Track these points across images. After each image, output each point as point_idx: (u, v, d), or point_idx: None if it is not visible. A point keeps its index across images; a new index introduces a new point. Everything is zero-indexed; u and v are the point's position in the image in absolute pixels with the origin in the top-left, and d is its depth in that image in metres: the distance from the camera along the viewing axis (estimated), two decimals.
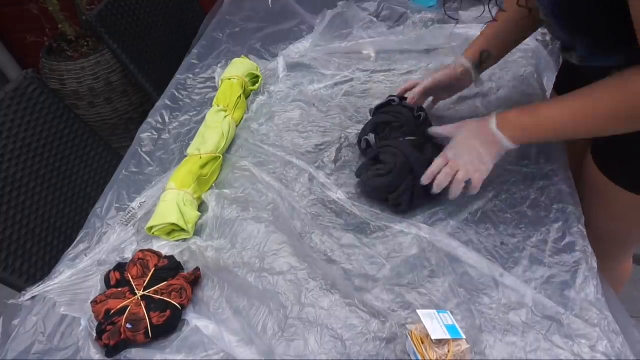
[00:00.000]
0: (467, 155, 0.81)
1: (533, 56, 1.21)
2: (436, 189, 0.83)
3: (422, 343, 0.64)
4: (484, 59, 0.95)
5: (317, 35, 1.39)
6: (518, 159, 0.94)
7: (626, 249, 1.05)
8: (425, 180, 0.84)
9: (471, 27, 1.26)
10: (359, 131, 1.03)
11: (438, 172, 0.83)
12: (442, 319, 0.66)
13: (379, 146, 0.92)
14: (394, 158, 0.87)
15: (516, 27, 0.91)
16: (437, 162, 0.83)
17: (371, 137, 0.95)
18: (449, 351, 0.63)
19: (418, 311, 0.67)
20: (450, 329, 0.65)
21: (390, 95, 1.02)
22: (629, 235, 0.98)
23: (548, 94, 1.10)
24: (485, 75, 1.13)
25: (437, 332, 0.64)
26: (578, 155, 0.96)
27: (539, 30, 1.23)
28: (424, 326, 0.65)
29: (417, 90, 0.98)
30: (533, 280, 0.75)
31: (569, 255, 0.78)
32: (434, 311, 0.67)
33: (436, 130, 0.90)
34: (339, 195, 0.93)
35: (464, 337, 0.64)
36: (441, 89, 1.00)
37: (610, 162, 0.87)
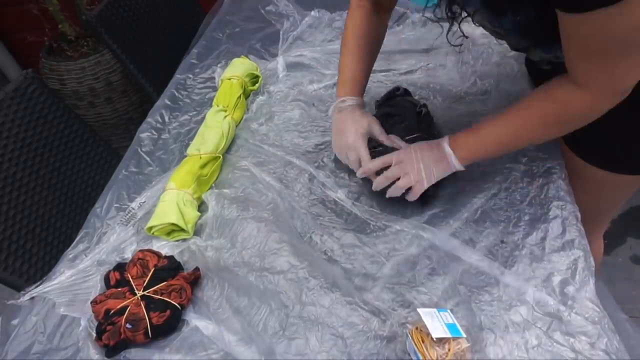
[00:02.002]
0: (415, 163, 0.83)
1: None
2: (374, 187, 0.88)
3: (423, 342, 0.64)
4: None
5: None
6: (517, 156, 0.94)
7: (596, 227, 1.10)
8: (359, 173, 0.89)
9: (471, 27, 1.26)
10: None
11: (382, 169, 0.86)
12: (442, 317, 0.66)
13: (372, 151, 0.92)
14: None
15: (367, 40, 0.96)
16: (384, 159, 0.86)
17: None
18: (449, 350, 0.63)
19: (419, 309, 0.67)
20: (451, 327, 0.65)
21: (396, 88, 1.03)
22: (602, 212, 1.05)
23: None
24: (480, 75, 1.14)
25: (438, 330, 0.64)
26: None
27: None
28: (425, 325, 0.65)
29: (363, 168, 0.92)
30: (533, 278, 0.75)
31: (568, 252, 0.78)
32: (434, 310, 0.67)
33: (395, 139, 0.91)
34: (339, 194, 0.93)
35: (464, 335, 0.64)
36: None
37: (580, 141, 0.91)
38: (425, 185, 0.84)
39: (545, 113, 0.74)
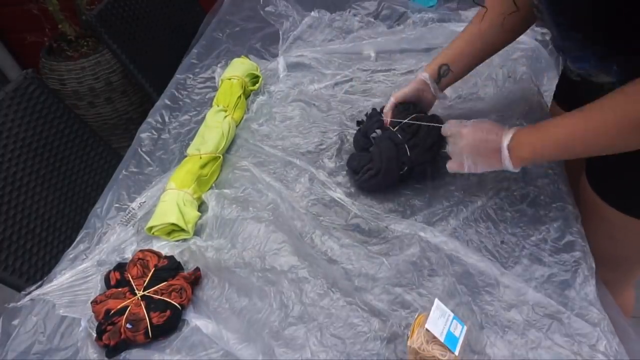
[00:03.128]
0: (465, 148, 0.78)
1: (532, 56, 1.21)
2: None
3: (420, 326, 0.64)
4: (443, 74, 0.93)
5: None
6: None
7: (628, 275, 1.00)
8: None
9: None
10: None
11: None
12: (451, 323, 0.64)
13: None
14: (380, 157, 0.89)
15: (481, 42, 0.90)
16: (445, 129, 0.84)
17: (379, 133, 0.95)
18: (431, 350, 0.62)
19: (437, 300, 0.65)
20: (450, 337, 0.63)
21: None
22: (629, 260, 0.94)
23: (548, 94, 1.10)
24: (481, 75, 1.14)
25: (436, 327, 0.63)
26: (573, 178, 0.94)
27: (539, 30, 1.24)
28: (430, 315, 0.64)
29: (387, 109, 0.96)
30: (533, 279, 0.75)
31: (568, 254, 0.78)
32: (451, 313, 0.65)
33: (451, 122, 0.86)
34: (339, 195, 0.93)
35: (456, 353, 0.62)
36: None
37: (605, 184, 0.85)
38: (465, 170, 0.79)
39: (625, 114, 0.65)
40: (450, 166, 0.82)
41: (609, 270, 0.79)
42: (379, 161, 0.89)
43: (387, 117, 0.95)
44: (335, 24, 1.45)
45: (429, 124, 0.89)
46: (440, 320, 0.63)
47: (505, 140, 0.75)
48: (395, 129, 0.91)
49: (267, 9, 1.53)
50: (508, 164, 0.75)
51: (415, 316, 0.67)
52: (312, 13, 1.49)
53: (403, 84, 0.97)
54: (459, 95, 1.10)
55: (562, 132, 0.71)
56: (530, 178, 0.91)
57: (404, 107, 0.94)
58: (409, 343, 0.64)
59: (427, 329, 0.62)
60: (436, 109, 1.08)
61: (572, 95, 1.00)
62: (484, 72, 1.14)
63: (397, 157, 0.89)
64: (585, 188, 0.89)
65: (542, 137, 0.73)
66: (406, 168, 0.89)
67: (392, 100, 0.95)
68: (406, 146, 0.89)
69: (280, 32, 1.44)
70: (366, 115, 1.01)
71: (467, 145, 0.78)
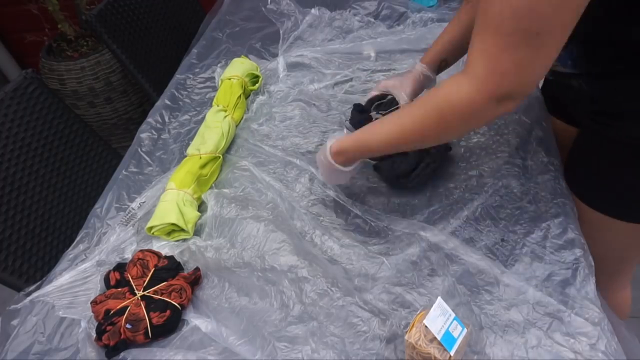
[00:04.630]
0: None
1: None
2: None
3: (420, 321, 0.64)
4: (442, 67, 0.95)
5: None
6: (517, 151, 0.94)
7: (615, 276, 1.00)
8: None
9: None
10: None
11: None
12: (451, 323, 0.63)
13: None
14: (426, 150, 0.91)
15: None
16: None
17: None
18: (428, 348, 0.62)
19: (440, 298, 0.65)
20: (447, 337, 0.62)
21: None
22: (612, 261, 0.94)
23: None
24: None
25: (434, 324, 0.62)
26: None
27: None
28: (430, 312, 0.63)
29: (372, 93, 0.98)
30: (534, 278, 0.75)
31: (569, 252, 0.78)
32: (453, 314, 0.64)
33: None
34: (339, 194, 0.93)
35: (451, 353, 0.61)
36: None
37: (583, 185, 0.87)
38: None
39: (429, 105, 0.67)
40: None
41: (603, 276, 0.79)
42: (428, 154, 0.90)
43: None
44: (335, 23, 1.45)
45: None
46: (439, 318, 0.63)
47: (329, 142, 0.81)
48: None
49: (268, 6, 1.53)
50: (337, 167, 0.80)
51: (417, 312, 0.67)
52: (312, 11, 1.49)
53: (394, 76, 0.99)
54: None
55: (378, 128, 0.75)
56: (531, 175, 0.90)
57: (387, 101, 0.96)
58: (406, 337, 0.64)
59: (425, 325, 0.62)
60: None
61: (550, 95, 1.02)
62: None
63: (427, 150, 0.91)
64: (574, 195, 0.89)
65: (359, 142, 0.78)
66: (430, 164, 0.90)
67: (377, 90, 0.97)
68: None
69: (281, 32, 1.44)
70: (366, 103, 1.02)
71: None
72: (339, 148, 0.80)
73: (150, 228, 0.90)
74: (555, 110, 1.02)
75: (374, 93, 0.98)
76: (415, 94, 0.95)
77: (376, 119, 0.95)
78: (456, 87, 0.61)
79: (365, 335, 0.72)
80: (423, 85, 0.95)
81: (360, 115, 0.97)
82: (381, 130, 0.75)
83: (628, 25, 0.65)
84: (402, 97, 0.94)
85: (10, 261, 1.00)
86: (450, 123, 0.65)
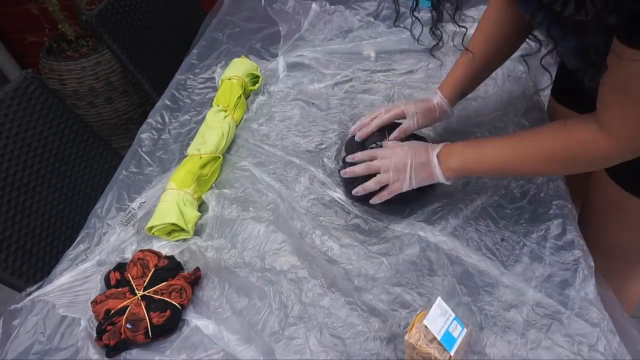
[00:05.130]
0: (399, 162, 0.80)
1: (531, 55, 1.20)
2: (346, 174, 0.86)
3: (420, 321, 0.64)
4: (459, 99, 0.95)
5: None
6: None
7: (637, 267, 1.00)
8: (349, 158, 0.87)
9: (472, 27, 1.26)
10: None
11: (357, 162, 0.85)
12: (451, 324, 0.63)
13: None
14: None
15: (488, 65, 0.93)
16: (364, 154, 0.85)
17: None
18: (428, 348, 0.62)
19: (439, 297, 0.65)
20: (447, 336, 0.62)
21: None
22: None
23: (547, 92, 1.10)
24: None
25: (434, 324, 0.62)
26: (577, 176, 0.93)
27: None
28: (430, 312, 0.63)
29: (376, 125, 0.92)
30: (533, 279, 0.75)
31: (569, 252, 0.78)
32: (452, 314, 0.64)
33: (386, 143, 0.88)
34: (339, 194, 0.93)
35: (451, 353, 0.61)
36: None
37: (627, 174, 0.84)
38: (404, 188, 0.80)
39: (557, 145, 0.69)
40: (387, 192, 0.82)
41: (621, 264, 0.79)
42: None
43: (367, 129, 0.92)
44: (335, 22, 1.45)
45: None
46: (439, 318, 0.63)
47: (435, 150, 0.79)
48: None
49: (274, 5, 1.52)
50: (439, 173, 0.78)
51: (417, 313, 0.67)
52: (313, 5, 1.48)
53: (412, 102, 0.94)
54: None
55: (497, 151, 0.75)
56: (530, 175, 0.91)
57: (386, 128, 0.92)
58: (406, 337, 0.64)
59: (425, 325, 0.62)
60: None
61: (568, 89, 1.00)
62: None
63: None
64: (601, 180, 0.88)
65: (471, 151, 0.77)
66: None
67: (379, 123, 0.92)
68: None
69: (282, 33, 1.44)
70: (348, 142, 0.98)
71: (400, 159, 0.80)
72: (458, 165, 0.77)
73: (151, 228, 0.90)
74: (566, 97, 1.00)
75: (385, 117, 0.92)
76: (426, 125, 0.93)
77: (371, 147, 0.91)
78: (593, 136, 0.65)
79: (365, 335, 0.72)
80: (437, 118, 0.93)
81: (358, 148, 0.93)
82: (493, 153, 0.76)
83: None
84: (411, 125, 0.91)
85: (10, 261, 1.00)
86: (577, 164, 0.70)
